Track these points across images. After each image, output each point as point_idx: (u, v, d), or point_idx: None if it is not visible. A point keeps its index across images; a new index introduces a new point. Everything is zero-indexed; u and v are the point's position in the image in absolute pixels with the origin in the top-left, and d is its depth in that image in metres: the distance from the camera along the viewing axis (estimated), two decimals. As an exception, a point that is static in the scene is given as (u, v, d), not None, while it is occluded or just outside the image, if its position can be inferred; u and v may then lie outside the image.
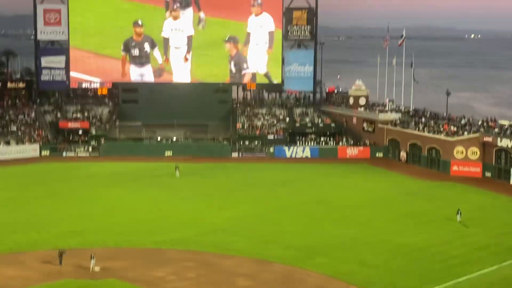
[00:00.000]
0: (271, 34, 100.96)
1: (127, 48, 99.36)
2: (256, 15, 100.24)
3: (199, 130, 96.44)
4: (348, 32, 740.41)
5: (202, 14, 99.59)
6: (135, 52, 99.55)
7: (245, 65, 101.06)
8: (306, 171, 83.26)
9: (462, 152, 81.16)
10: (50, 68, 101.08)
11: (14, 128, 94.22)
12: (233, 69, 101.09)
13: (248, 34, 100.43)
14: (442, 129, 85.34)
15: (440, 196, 69.57)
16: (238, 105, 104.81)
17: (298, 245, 52.14)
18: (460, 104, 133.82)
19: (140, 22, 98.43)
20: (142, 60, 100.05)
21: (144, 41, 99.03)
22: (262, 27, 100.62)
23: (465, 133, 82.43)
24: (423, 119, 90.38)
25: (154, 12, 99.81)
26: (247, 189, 72.00)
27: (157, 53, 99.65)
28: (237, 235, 54.83)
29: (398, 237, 54.41)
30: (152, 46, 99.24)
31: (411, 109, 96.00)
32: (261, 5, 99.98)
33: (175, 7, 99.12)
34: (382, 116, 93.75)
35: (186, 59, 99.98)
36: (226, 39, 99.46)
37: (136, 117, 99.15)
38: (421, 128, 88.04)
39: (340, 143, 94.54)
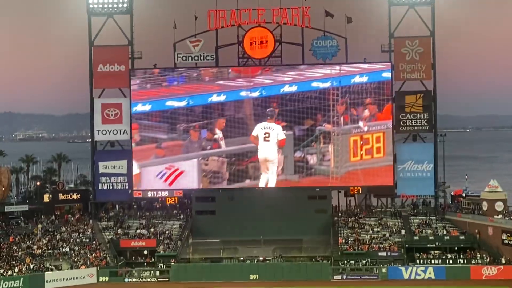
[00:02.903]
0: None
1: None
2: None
3: (292, 247, 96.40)
4: (476, 122, 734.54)
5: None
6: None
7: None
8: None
9: None
10: (110, 175, 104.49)
11: (66, 248, 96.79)
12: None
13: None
14: None
15: None
16: (340, 214, 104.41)
17: None
18: None
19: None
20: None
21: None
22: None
23: None
24: None
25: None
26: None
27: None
28: None
29: None
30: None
31: None
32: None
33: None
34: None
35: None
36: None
37: (214, 233, 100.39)
38: None
39: (473, 261, 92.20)
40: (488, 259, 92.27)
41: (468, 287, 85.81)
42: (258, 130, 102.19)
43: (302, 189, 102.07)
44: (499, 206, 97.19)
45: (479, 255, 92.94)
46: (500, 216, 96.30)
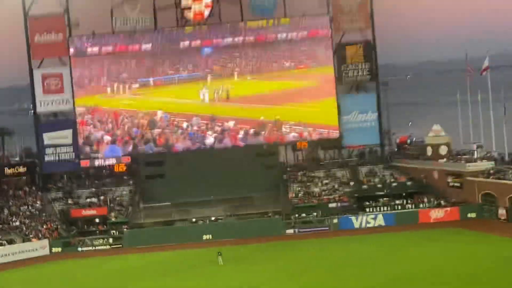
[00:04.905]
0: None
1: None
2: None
3: (243, 205, 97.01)
4: (416, 69, 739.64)
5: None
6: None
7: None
8: (381, 243, 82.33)
9: None
10: (55, 146, 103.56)
11: (17, 222, 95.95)
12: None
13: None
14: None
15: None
16: (289, 169, 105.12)
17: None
18: None
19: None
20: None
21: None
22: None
23: None
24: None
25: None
26: (309, 274, 71.30)
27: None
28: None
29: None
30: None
31: (506, 155, 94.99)
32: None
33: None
34: (470, 167, 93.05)
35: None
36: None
37: (164, 196, 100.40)
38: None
39: (421, 205, 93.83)
40: (435, 202, 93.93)
41: (417, 231, 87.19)
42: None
43: (250, 146, 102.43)
44: (443, 150, 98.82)
45: (426, 199, 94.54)
46: (444, 160, 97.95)
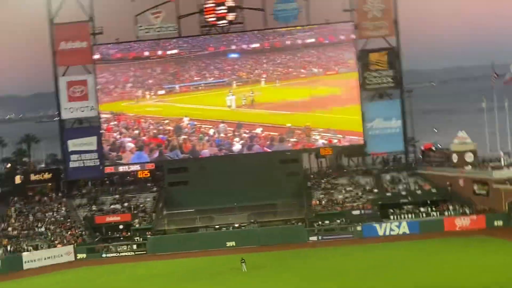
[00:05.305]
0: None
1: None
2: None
3: (266, 212, 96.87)
4: (441, 75, 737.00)
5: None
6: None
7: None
8: (405, 251, 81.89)
9: None
10: (80, 152, 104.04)
11: (42, 228, 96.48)
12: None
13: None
14: None
15: None
16: (312, 176, 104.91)
17: None
18: None
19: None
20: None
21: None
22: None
23: None
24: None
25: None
26: (332, 282, 71.03)
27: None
28: None
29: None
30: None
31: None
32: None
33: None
34: (497, 174, 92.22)
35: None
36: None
37: (188, 203, 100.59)
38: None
39: (446, 213, 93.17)
40: (461, 210, 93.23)
41: (442, 239, 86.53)
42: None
43: (273, 153, 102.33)
44: (469, 157, 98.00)
45: (452, 207, 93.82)
46: (470, 167, 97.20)
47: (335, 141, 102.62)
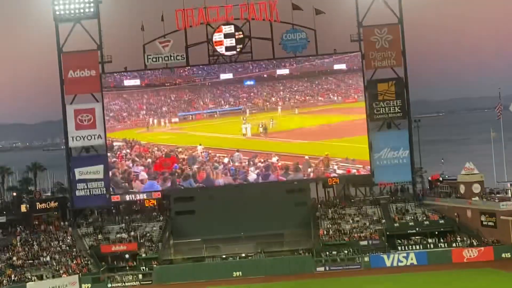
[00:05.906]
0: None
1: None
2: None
3: (274, 242, 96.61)
4: (449, 105, 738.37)
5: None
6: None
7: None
8: (413, 283, 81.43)
9: None
10: (86, 181, 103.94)
11: (47, 258, 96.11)
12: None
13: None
14: None
15: None
16: (320, 206, 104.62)
17: None
18: None
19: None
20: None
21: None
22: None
23: None
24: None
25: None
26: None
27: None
28: None
29: None
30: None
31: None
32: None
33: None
34: (504, 206, 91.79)
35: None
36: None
37: (194, 232, 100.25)
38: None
39: (454, 244, 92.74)
40: (469, 241, 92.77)
41: (451, 271, 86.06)
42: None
43: (281, 183, 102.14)
44: (476, 188, 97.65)
45: (460, 238, 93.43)
46: (477, 198, 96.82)
47: (354, 170, 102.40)
